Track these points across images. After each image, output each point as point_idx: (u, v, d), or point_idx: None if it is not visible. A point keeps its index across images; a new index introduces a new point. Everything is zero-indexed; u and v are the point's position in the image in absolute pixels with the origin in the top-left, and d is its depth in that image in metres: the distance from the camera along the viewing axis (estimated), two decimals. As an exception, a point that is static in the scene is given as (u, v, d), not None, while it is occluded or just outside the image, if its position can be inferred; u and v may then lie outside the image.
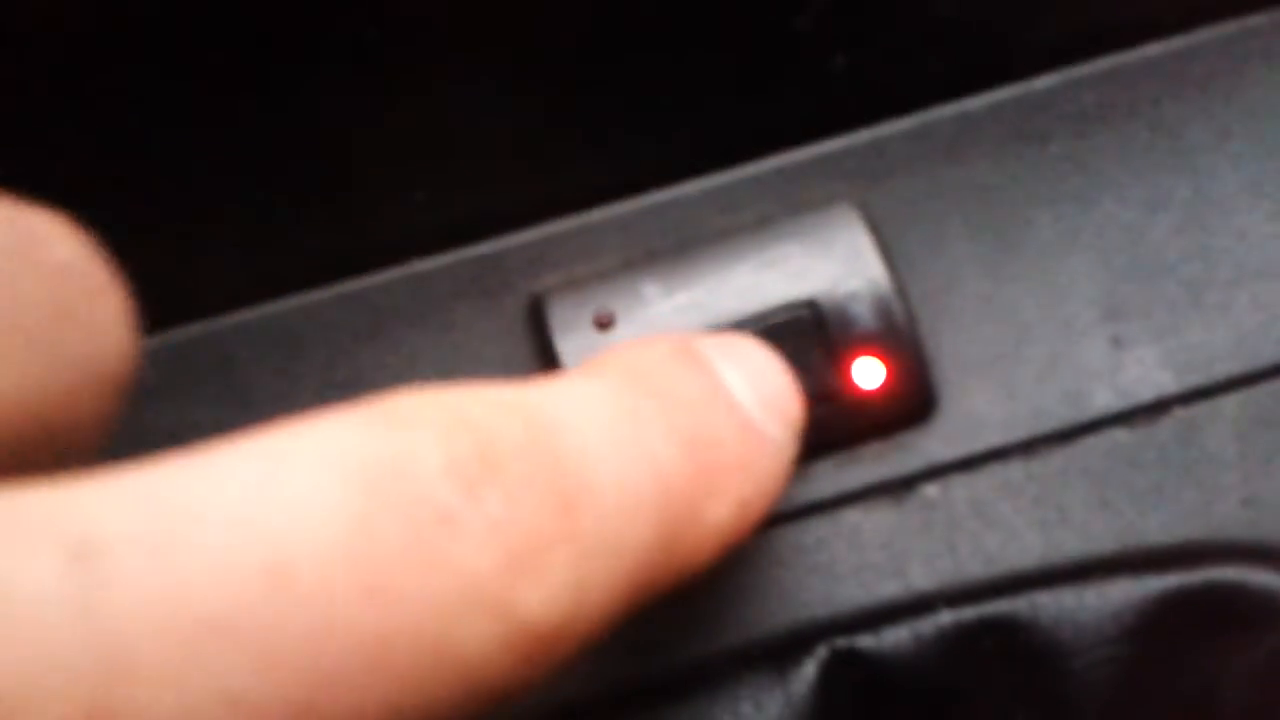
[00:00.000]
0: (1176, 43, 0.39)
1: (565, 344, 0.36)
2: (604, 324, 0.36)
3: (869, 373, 0.36)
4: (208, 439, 0.36)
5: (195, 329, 0.37)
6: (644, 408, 0.25)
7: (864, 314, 0.36)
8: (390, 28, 0.34)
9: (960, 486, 0.36)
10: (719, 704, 0.35)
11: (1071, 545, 0.36)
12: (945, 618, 0.35)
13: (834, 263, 0.37)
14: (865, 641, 0.35)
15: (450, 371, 0.37)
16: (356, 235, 0.37)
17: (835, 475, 0.36)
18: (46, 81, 0.33)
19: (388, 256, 0.37)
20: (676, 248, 0.37)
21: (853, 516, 0.36)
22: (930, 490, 0.36)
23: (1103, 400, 0.37)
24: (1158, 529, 0.36)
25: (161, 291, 0.36)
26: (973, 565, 0.36)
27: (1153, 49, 0.39)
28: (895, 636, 0.35)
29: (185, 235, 0.36)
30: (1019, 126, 0.38)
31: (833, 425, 0.36)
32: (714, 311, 0.36)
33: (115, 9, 0.32)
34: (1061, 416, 0.37)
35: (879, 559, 0.36)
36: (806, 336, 0.36)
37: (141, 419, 0.36)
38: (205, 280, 0.37)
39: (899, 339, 0.36)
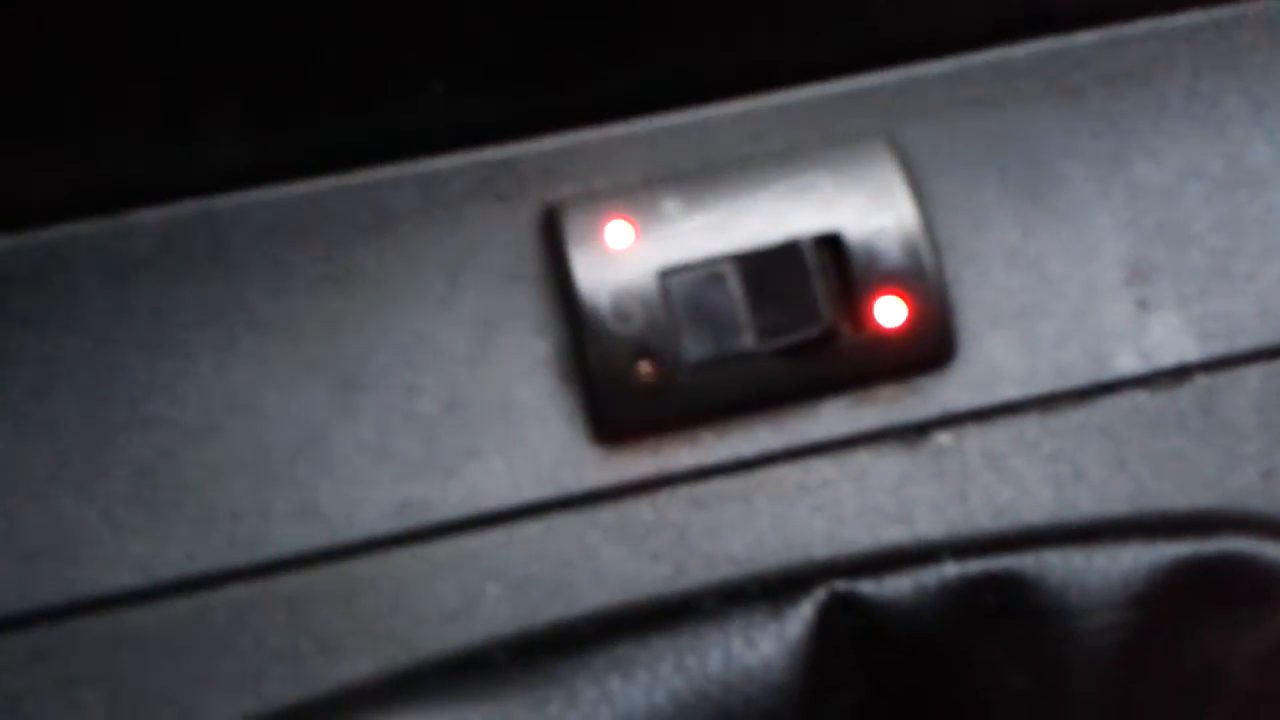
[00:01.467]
0: (1219, 12, 0.38)
1: (579, 256, 0.35)
2: (621, 238, 0.35)
3: (889, 311, 0.35)
4: (195, 316, 0.34)
5: (189, 206, 0.35)
6: None
7: (889, 250, 0.35)
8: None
9: (974, 436, 0.35)
10: (708, 639, 0.33)
11: (1084, 504, 0.35)
12: (950, 569, 0.34)
13: (862, 196, 0.35)
14: (866, 587, 0.34)
15: (454, 276, 0.35)
16: (367, 123, 0.35)
17: (847, 415, 0.35)
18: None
19: (398, 150, 0.35)
20: (701, 168, 0.36)
21: (862, 458, 0.35)
22: (943, 438, 0.35)
23: (1125, 361, 0.36)
24: (1173, 494, 0.35)
25: (155, 163, 0.35)
26: (982, 517, 0.35)
27: (1195, 15, 0.38)
28: (897, 584, 0.34)
29: (184, 106, 0.34)
30: (1057, 80, 0.37)
31: (847, 362, 0.35)
32: (735, 233, 0.35)
33: None
34: (1082, 374, 0.35)
35: (886, 503, 0.35)
36: (827, 267, 0.35)
37: (126, 291, 0.34)
38: (202, 156, 0.35)
39: (923, 279, 0.35)
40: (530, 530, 0.34)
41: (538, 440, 0.34)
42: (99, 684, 0.32)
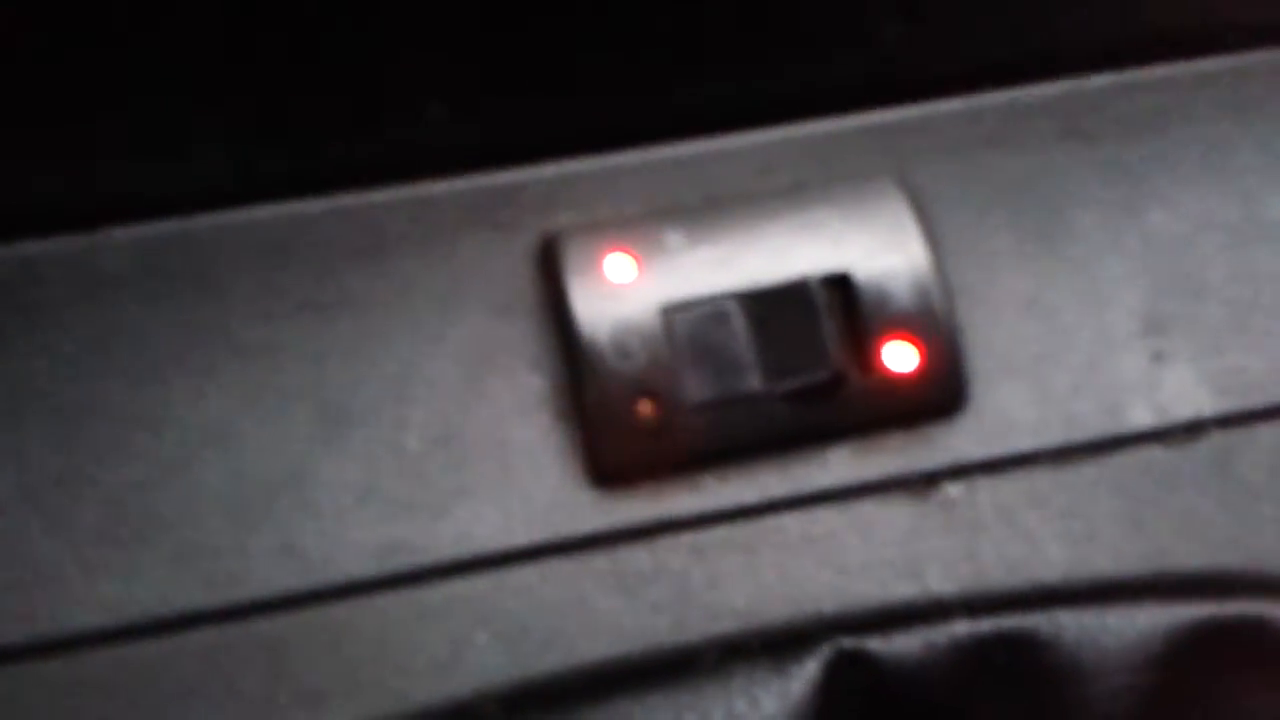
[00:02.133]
0: (1236, 60, 0.37)
1: (578, 288, 0.33)
2: (622, 270, 0.33)
3: (899, 356, 0.34)
4: (174, 340, 0.33)
5: (169, 225, 0.33)
6: None
7: (900, 292, 0.34)
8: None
9: (985, 489, 0.34)
10: (708, 696, 0.31)
11: (1099, 562, 0.33)
12: (960, 627, 0.32)
13: (872, 235, 0.34)
14: (873, 644, 0.32)
15: (447, 306, 0.33)
16: (361, 143, 0.34)
17: (854, 463, 0.34)
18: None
19: (393, 172, 0.34)
20: (706, 202, 0.34)
21: (869, 509, 0.33)
22: (953, 489, 0.34)
23: (1139, 415, 0.34)
24: (1189, 554, 0.34)
25: (138, 181, 0.33)
26: (993, 572, 0.33)
27: (1211, 63, 0.37)
28: (906, 642, 0.32)
29: (167, 117, 0.32)
30: (1070, 123, 0.36)
31: (855, 408, 0.33)
32: (741, 270, 0.34)
33: None
34: (1095, 427, 0.34)
35: (894, 556, 0.33)
36: (835, 308, 0.34)
37: (102, 314, 0.32)
38: (185, 172, 0.33)
39: (934, 324, 0.34)
40: (523, 576, 0.32)
41: (531, 481, 0.33)
42: (58, 731, 0.30)
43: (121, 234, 0.32)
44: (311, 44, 0.32)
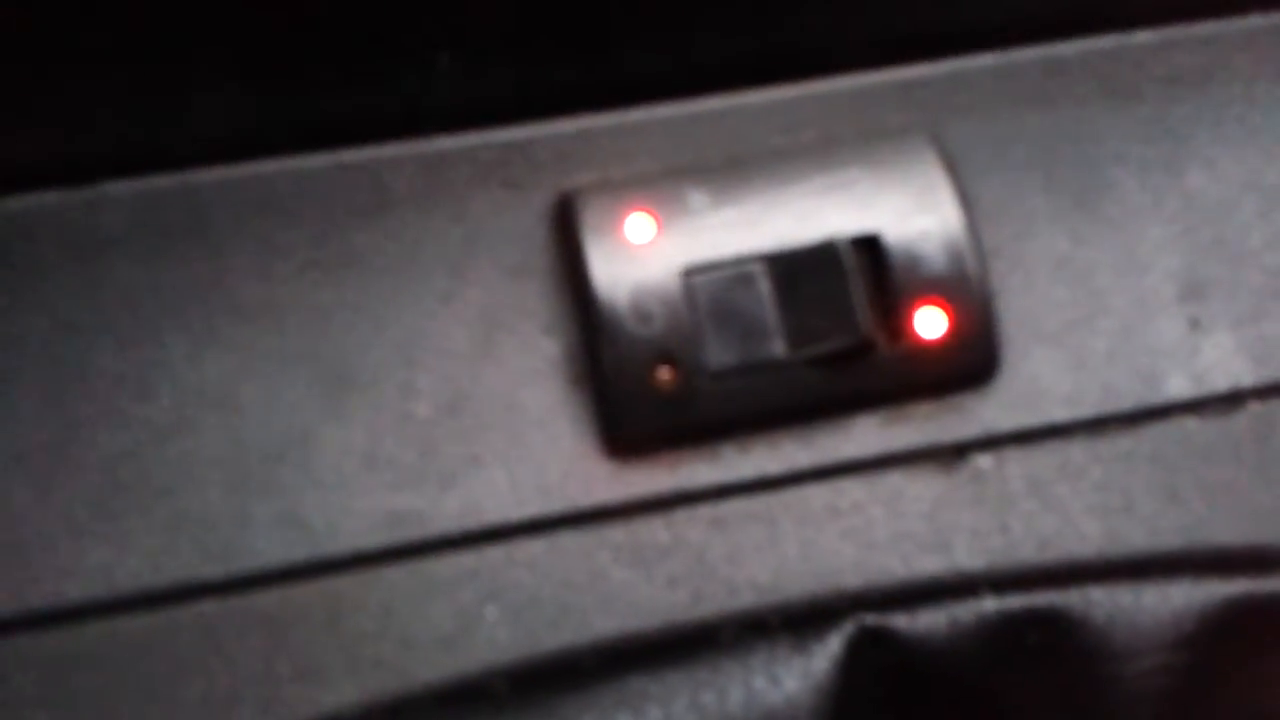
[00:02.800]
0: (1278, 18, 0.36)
1: (595, 249, 0.32)
2: (642, 232, 0.32)
3: (929, 321, 0.32)
4: (171, 299, 0.31)
5: (167, 179, 0.31)
6: None
7: (931, 255, 0.32)
8: None
9: (1017, 461, 0.32)
10: (727, 673, 0.30)
11: (1134, 537, 0.32)
12: (988, 603, 0.31)
13: (903, 195, 0.33)
14: (898, 621, 0.31)
15: (457, 267, 0.32)
16: (367, 96, 0.32)
17: (880, 433, 0.32)
18: None
19: (400, 127, 0.32)
20: (729, 160, 0.33)
21: (895, 480, 0.32)
22: (984, 461, 0.32)
23: (1176, 385, 0.33)
24: (1226, 528, 0.32)
25: (135, 132, 0.32)
26: (1024, 548, 0.32)
27: (1256, 20, 0.36)
28: (931, 619, 0.31)
29: (164, 66, 0.31)
30: (1111, 80, 0.35)
31: (883, 375, 0.32)
32: (766, 231, 0.32)
33: None
34: (1131, 397, 0.33)
35: (920, 530, 0.32)
36: (864, 271, 0.32)
37: (97, 272, 0.31)
38: (184, 124, 0.31)
39: (967, 288, 0.32)
40: (534, 548, 0.31)
41: (544, 450, 0.31)
42: (51, 705, 0.29)
43: (117, 189, 0.31)
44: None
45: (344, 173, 0.32)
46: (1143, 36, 0.35)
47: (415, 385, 0.31)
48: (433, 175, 0.32)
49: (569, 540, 0.31)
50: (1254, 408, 0.33)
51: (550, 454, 0.31)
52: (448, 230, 0.32)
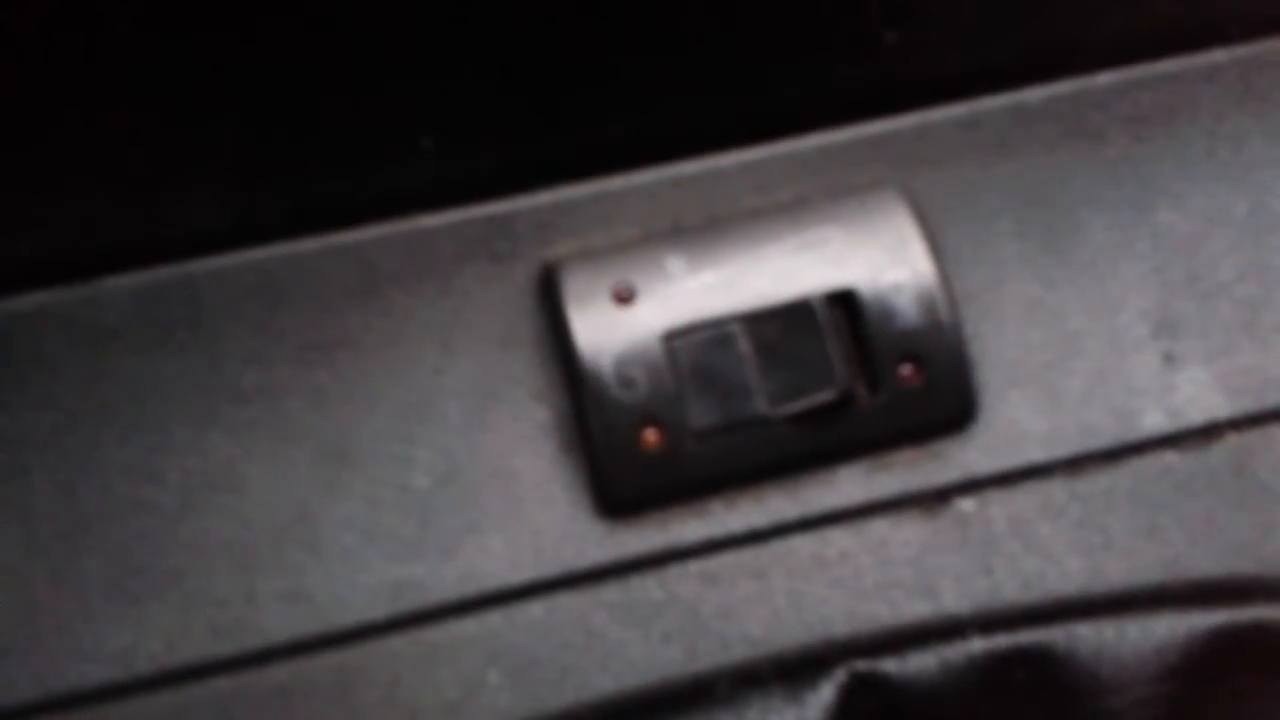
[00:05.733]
0: (1241, 51, 0.37)
1: (579, 318, 0.33)
2: (623, 298, 0.33)
3: (906, 371, 0.33)
4: (173, 388, 0.32)
5: (164, 272, 0.33)
6: None
7: (906, 307, 0.33)
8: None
9: (998, 503, 0.33)
10: (724, 725, 0.31)
11: (1115, 573, 0.33)
12: (976, 644, 0.32)
13: (875, 250, 0.34)
14: (888, 665, 0.32)
15: (447, 340, 0.33)
16: (352, 181, 0.33)
17: (864, 482, 0.33)
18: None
19: (386, 208, 0.33)
20: (705, 223, 0.34)
21: (881, 528, 0.33)
22: (966, 505, 0.33)
23: (1152, 420, 0.34)
24: (1207, 561, 0.33)
25: (129, 226, 0.33)
26: (1008, 588, 0.33)
27: (1218, 55, 0.36)
28: (921, 662, 0.32)
29: (159, 162, 0.32)
30: (1075, 124, 0.36)
31: (864, 426, 0.33)
32: (744, 292, 0.33)
33: None
34: (1109, 435, 0.34)
35: (907, 576, 0.33)
36: (841, 326, 0.33)
37: (100, 364, 0.32)
38: (178, 217, 0.33)
39: (942, 337, 0.33)
40: (533, 611, 0.32)
41: (539, 514, 0.32)
42: (75, 786, 0.30)
43: (116, 283, 0.32)
44: (300, 85, 0.32)
45: (334, 255, 0.33)
46: (1105, 78, 0.36)
47: (412, 457, 0.32)
48: (419, 252, 0.34)
49: (566, 601, 0.32)
50: (1231, 440, 0.34)
51: (545, 518, 0.32)
52: (436, 305, 0.33)
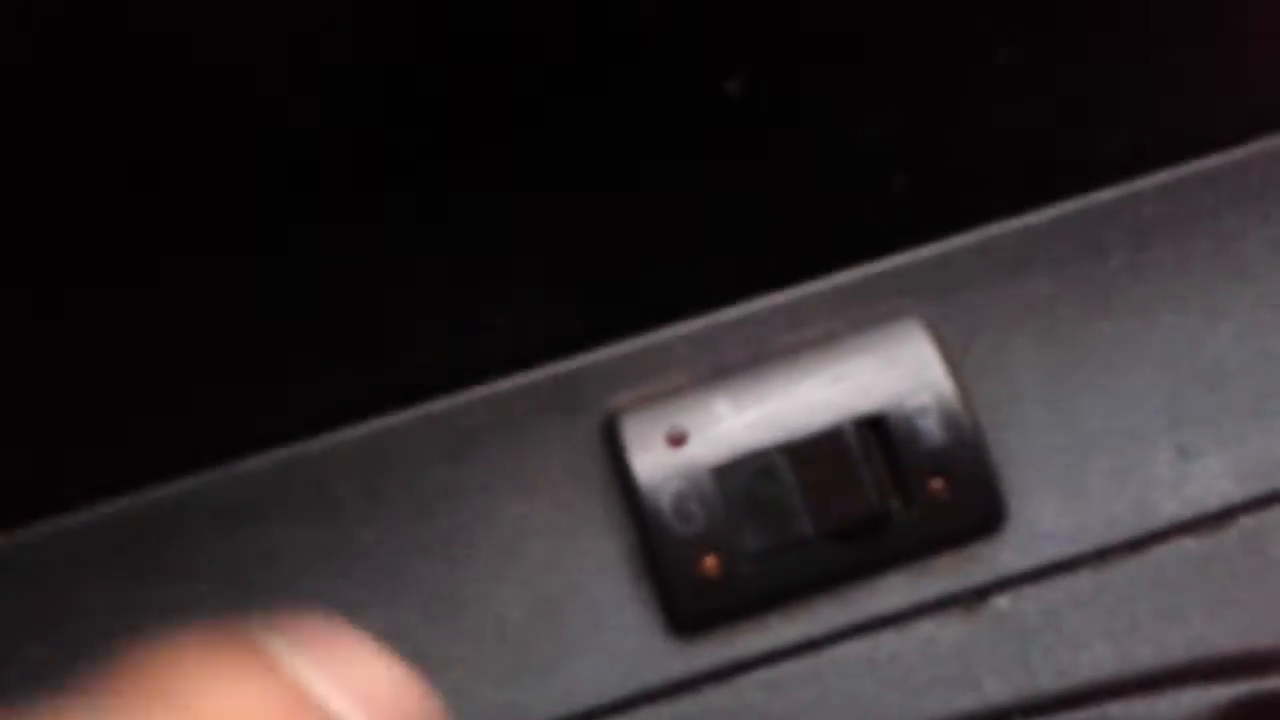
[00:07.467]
0: (1233, 154, 0.40)
1: (639, 462, 0.37)
2: (677, 441, 0.37)
3: (937, 485, 0.37)
4: (299, 558, 0.38)
5: (284, 452, 0.38)
6: None
7: (931, 428, 0.37)
8: (455, 154, 0.36)
9: (1031, 598, 0.37)
10: (796, 816, 0.35)
11: (1143, 655, 0.36)
12: (1019, 730, 0.36)
13: (901, 377, 0.38)
14: (942, 756, 0.36)
15: (528, 489, 0.38)
16: (439, 357, 0.38)
17: (907, 587, 0.37)
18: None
19: (469, 377, 0.38)
20: (747, 364, 0.38)
21: (926, 628, 0.37)
22: (1001, 602, 0.37)
23: (1170, 509, 0.37)
24: (1229, 637, 0.36)
25: (251, 415, 0.38)
26: (1045, 676, 0.36)
27: (1210, 161, 0.39)
28: (971, 750, 0.36)
29: (276, 363, 0.38)
30: (1080, 240, 0.39)
31: (902, 537, 0.37)
32: (785, 426, 0.37)
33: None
34: (1130, 526, 0.37)
35: (953, 671, 0.36)
36: (872, 449, 0.37)
37: (233, 539, 0.37)
38: (295, 404, 0.38)
39: (966, 452, 0.37)
40: (619, 725, 0.37)
41: (618, 637, 0.37)
42: None
43: (244, 466, 0.38)
44: (394, 289, 0.37)
45: (428, 423, 0.38)
46: (1104, 194, 0.39)
47: (505, 594, 0.37)
48: (498, 414, 0.38)
49: (647, 714, 0.37)
50: (1245, 522, 0.37)
51: (623, 640, 0.37)
52: (516, 457, 0.38)
